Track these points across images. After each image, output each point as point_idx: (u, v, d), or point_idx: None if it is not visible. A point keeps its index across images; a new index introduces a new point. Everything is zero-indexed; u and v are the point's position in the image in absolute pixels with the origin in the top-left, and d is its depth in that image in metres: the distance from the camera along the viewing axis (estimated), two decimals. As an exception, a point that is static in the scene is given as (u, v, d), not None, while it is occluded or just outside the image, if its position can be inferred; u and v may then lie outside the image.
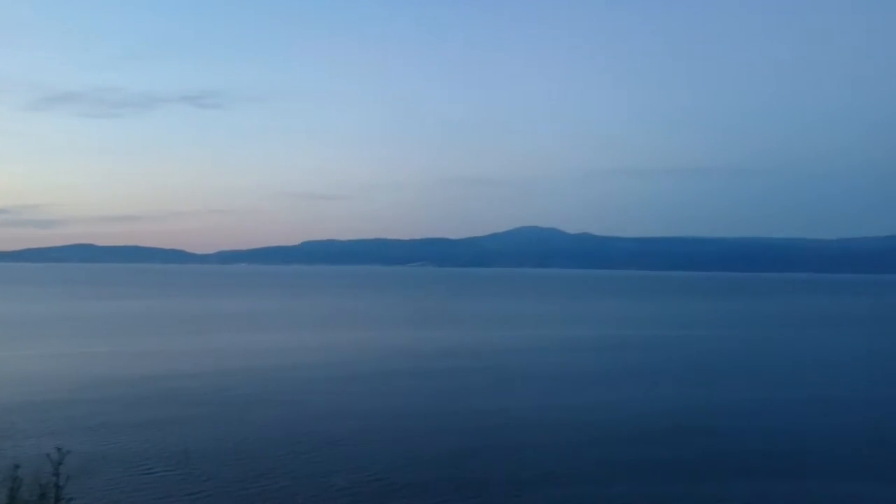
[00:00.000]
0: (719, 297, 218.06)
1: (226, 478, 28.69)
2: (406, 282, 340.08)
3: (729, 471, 31.12)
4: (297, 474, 29.37)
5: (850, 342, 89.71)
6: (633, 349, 75.89)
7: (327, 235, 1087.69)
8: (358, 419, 39.77)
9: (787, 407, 45.89)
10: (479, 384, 52.35)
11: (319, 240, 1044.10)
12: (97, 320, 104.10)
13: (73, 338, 79.45)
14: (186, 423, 37.97)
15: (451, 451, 33.34)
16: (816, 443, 36.69)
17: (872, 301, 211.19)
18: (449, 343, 78.03)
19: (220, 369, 56.98)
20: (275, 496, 26.78)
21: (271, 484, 28.05)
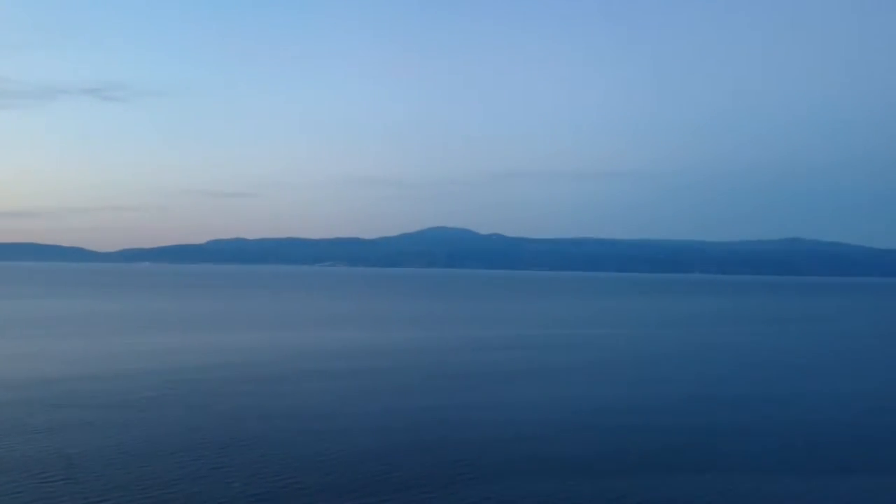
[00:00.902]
0: (623, 297, 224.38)
1: (113, 484, 26.92)
2: (316, 281, 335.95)
3: (631, 466, 31.37)
4: (195, 480, 27.83)
5: (748, 340, 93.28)
6: (541, 348, 76.54)
7: (235, 234, 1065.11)
8: (261, 421, 38.31)
9: (689, 403, 46.97)
10: (388, 384, 51.50)
11: (227, 238, 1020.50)
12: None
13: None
14: (77, 428, 35.68)
15: (359, 452, 32.44)
16: (718, 437, 37.56)
17: (766, 300, 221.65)
18: (358, 343, 76.93)
19: (112, 372, 54.14)
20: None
21: (164, 491, 26.48)
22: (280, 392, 47.30)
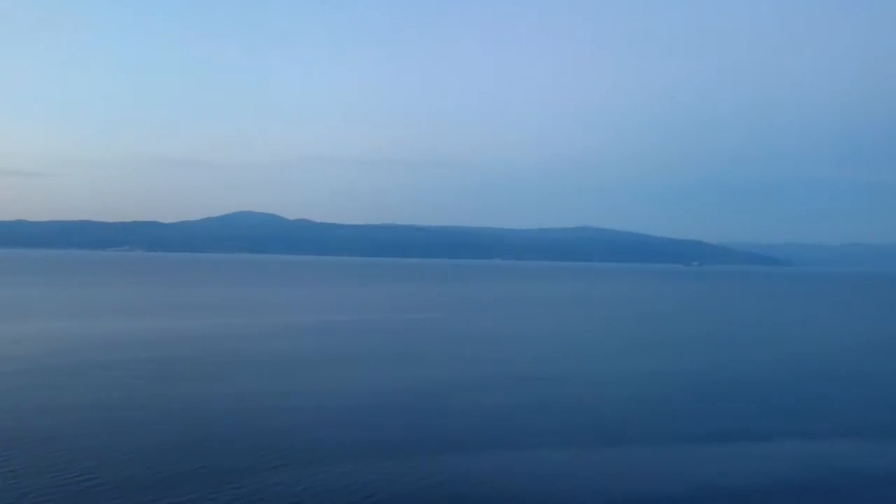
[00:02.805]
0: (428, 282, 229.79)
1: None
2: (109, 267, 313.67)
3: (433, 447, 32.57)
4: (-27, 482, 25.58)
5: (551, 324, 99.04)
6: (348, 333, 77.15)
7: (17, 216, 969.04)
8: (52, 416, 35.72)
9: (492, 383, 49.48)
10: (188, 372, 49.68)
11: (6, 220, 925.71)
12: None
13: None
14: None
15: (159, 444, 31.17)
16: (519, 415, 39.97)
17: (558, 285, 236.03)
18: (157, 332, 73.16)
19: None
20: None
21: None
22: (68, 385, 44.14)
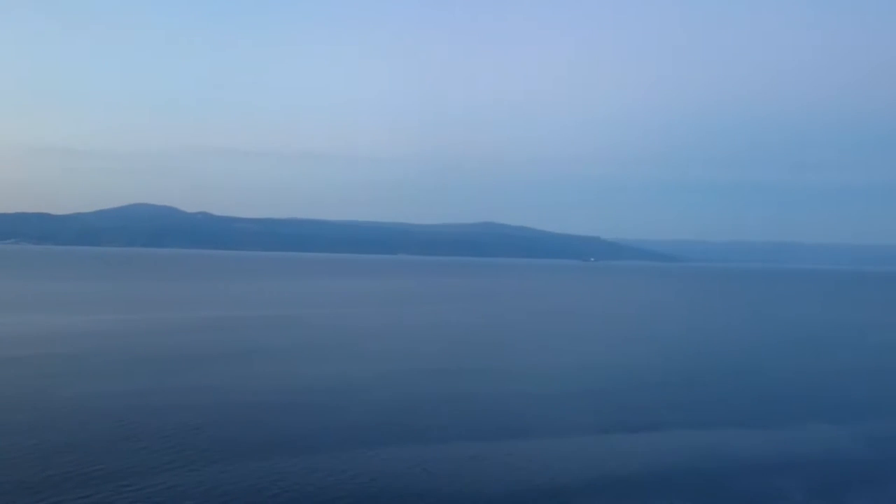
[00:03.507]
0: (332, 278, 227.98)
1: None
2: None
3: (341, 443, 32.51)
4: None
5: (453, 318, 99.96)
6: (249, 329, 75.76)
7: None
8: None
9: (396, 378, 49.67)
10: (79, 370, 47.67)
11: None
12: None
13: None
14: None
15: (48, 446, 29.80)
16: (424, 409, 40.32)
17: (465, 281, 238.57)
18: (41, 328, 69.80)
19: None
20: None
21: None
22: (-53, 386, 41.67)
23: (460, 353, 62.92)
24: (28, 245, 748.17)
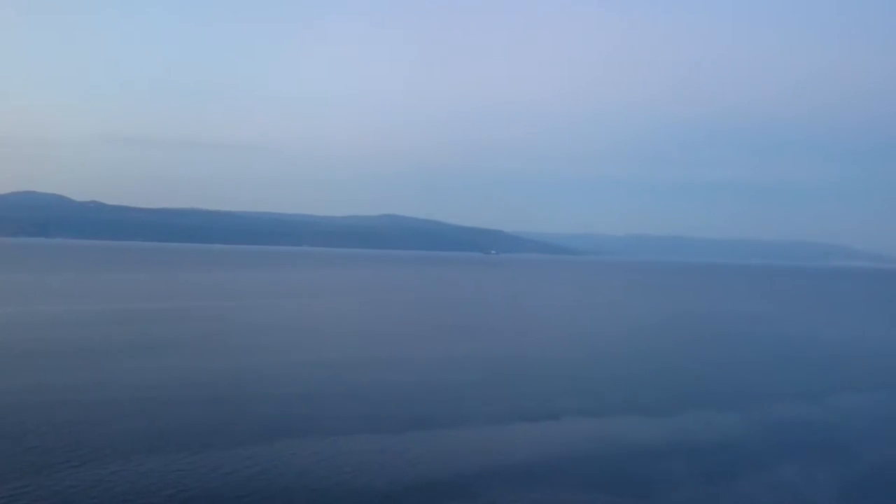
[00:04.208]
0: (235, 270, 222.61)
1: None
2: None
3: (239, 438, 32.18)
4: None
5: (354, 311, 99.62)
6: (146, 322, 73.51)
7: None
8: None
9: (295, 371, 49.38)
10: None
11: None
12: None
13: None
14: None
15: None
16: (324, 402, 40.34)
17: (368, 273, 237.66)
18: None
19: None
20: None
21: None
22: None
23: (361, 345, 63.05)
24: None
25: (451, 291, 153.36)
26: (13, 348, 53.64)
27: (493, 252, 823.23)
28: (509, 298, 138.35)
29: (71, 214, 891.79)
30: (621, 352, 65.62)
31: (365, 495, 25.94)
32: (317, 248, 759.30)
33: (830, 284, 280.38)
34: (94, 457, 28.24)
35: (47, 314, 77.73)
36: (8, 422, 32.85)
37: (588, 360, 59.33)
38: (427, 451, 31.47)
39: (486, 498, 26.16)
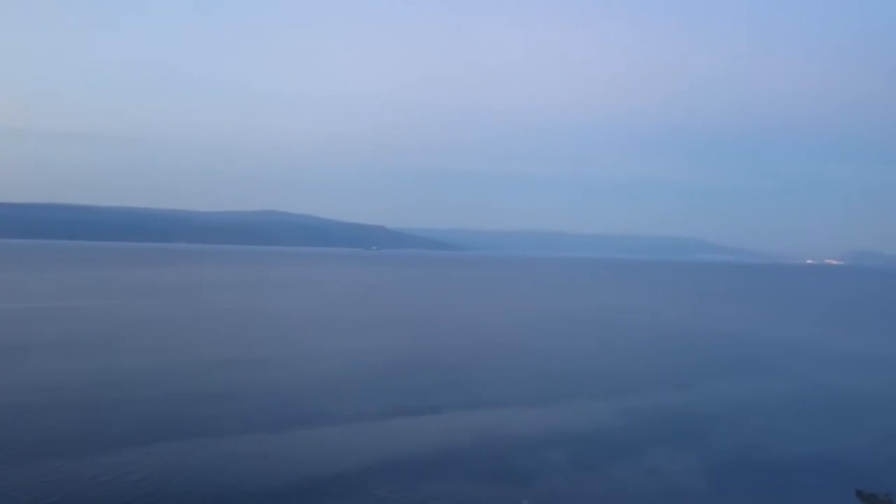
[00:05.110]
0: (106, 267, 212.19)
1: None
2: None
3: (118, 441, 31.05)
4: None
5: (239, 307, 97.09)
6: (21, 322, 69.53)
7: None
8: None
9: (181, 370, 47.85)
10: None
11: None
12: None
13: None
14: None
15: None
16: (208, 402, 39.24)
17: (251, 269, 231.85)
18: None
19: None
20: None
21: None
22: None
23: (235, 344, 61.68)
24: None
25: (337, 286, 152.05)
26: None
27: (375, 248, 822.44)
28: (384, 293, 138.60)
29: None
30: (501, 344, 67.14)
31: (248, 498, 25.48)
32: (191, 245, 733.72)
33: (697, 277, 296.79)
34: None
35: None
36: None
37: (468, 354, 60.38)
38: (311, 449, 31.23)
39: (372, 495, 26.23)
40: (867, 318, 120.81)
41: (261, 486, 26.57)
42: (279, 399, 40.59)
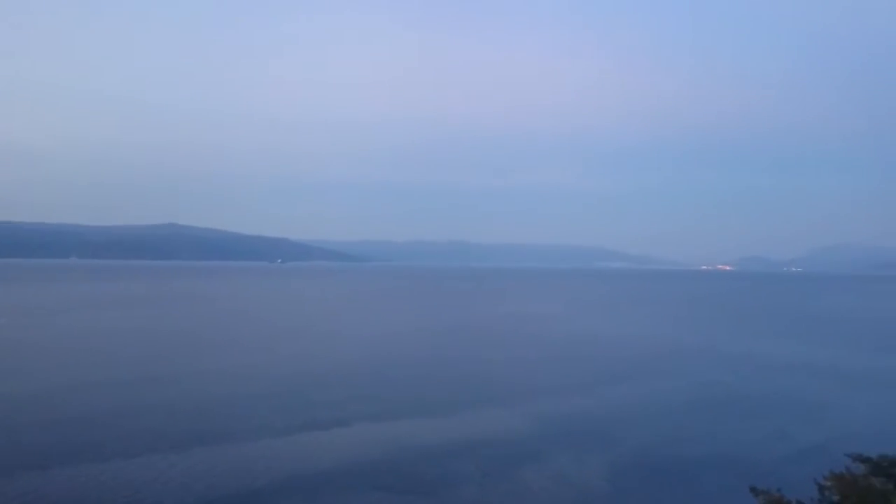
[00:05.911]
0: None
1: None
2: None
3: (10, 467, 29.60)
4: None
5: (133, 325, 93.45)
6: None
7: None
8: None
9: (76, 391, 45.91)
10: None
11: None
12: None
13: None
14: None
15: None
16: (107, 422, 37.64)
17: (145, 285, 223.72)
18: None
19: None
20: None
21: None
22: None
23: (137, 361, 59.53)
24: None
25: (230, 302, 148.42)
26: None
27: (279, 261, 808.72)
28: (289, 307, 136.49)
29: None
30: (407, 355, 67.19)
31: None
32: (87, 261, 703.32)
33: (597, 285, 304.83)
34: None
35: None
36: None
37: (375, 365, 60.14)
38: (220, 467, 30.43)
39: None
40: (753, 319, 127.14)
41: (163, 508, 25.64)
42: (181, 416, 39.40)
